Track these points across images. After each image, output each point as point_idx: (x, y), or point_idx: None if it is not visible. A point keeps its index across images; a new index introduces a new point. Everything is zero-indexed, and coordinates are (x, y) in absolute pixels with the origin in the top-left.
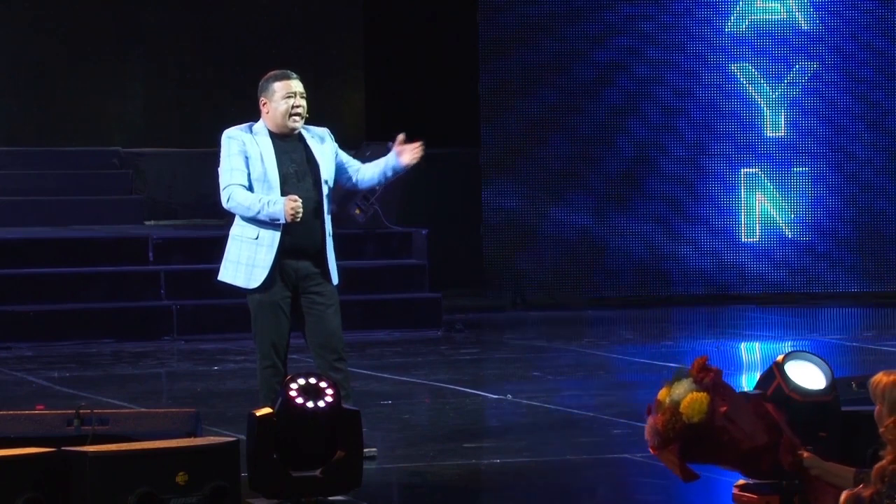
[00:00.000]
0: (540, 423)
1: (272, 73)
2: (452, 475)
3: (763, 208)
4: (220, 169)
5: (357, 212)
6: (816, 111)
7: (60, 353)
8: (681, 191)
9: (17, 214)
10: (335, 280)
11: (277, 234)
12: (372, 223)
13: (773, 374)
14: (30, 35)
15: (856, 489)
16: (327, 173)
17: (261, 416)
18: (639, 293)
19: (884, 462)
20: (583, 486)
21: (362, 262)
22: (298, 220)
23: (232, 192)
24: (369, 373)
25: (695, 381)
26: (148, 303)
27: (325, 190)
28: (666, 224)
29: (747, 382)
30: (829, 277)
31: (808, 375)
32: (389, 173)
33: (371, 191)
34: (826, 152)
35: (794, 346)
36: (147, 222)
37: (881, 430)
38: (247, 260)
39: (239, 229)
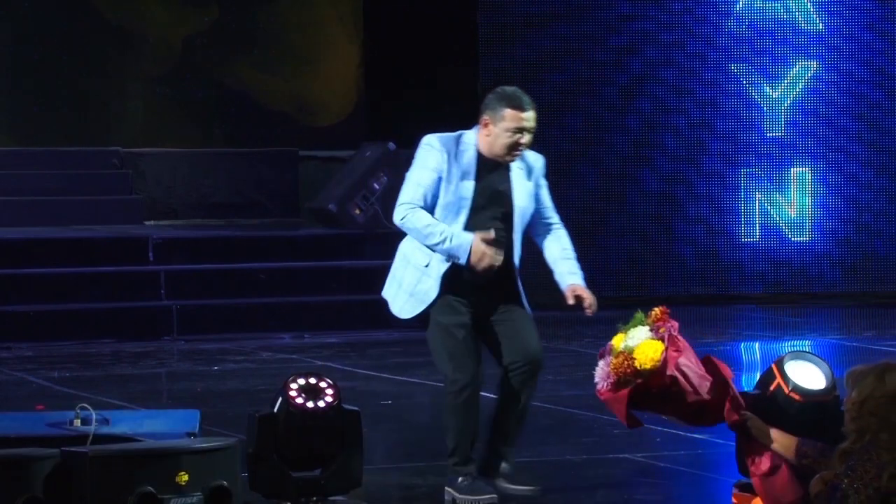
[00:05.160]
0: (540, 423)
1: (506, 93)
2: None
3: (763, 208)
4: (407, 175)
5: (357, 212)
6: (816, 111)
7: (60, 353)
8: (681, 190)
9: (17, 214)
10: (527, 307)
11: (447, 267)
12: (372, 223)
13: (773, 374)
14: (30, 35)
15: (825, 475)
16: (521, 210)
17: (261, 416)
18: (639, 293)
19: (846, 444)
20: (583, 486)
21: (362, 262)
22: (483, 268)
23: (411, 213)
24: (369, 373)
25: (651, 330)
26: (148, 303)
27: (518, 226)
28: (666, 224)
29: (747, 382)
30: (829, 277)
31: (808, 375)
32: (555, 275)
33: (371, 191)
34: (826, 152)
35: (794, 346)
36: (147, 222)
37: (847, 410)
38: (407, 286)
39: (409, 248)
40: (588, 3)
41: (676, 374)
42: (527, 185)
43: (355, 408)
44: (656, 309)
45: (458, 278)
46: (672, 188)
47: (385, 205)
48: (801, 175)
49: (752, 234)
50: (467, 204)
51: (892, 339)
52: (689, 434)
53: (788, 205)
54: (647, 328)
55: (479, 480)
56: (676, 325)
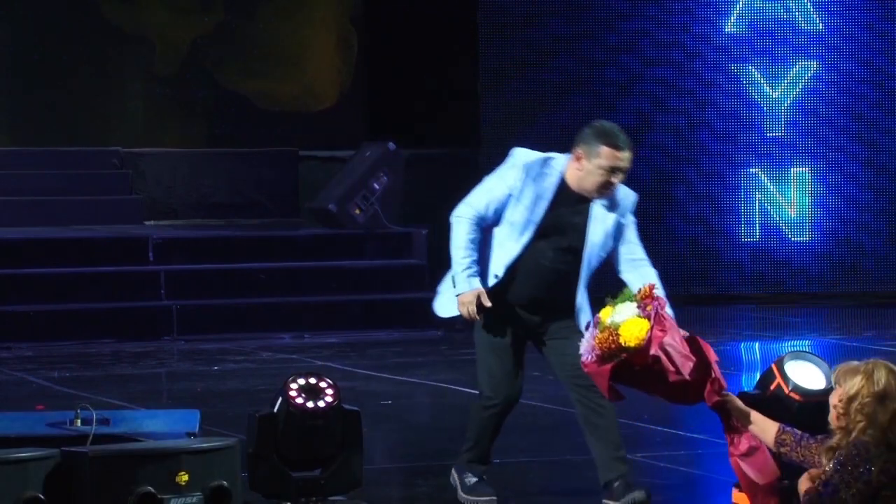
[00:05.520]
0: (540, 423)
1: (604, 129)
2: None
3: (763, 208)
4: (487, 177)
5: (357, 212)
6: (816, 111)
7: (60, 353)
8: (681, 191)
9: (17, 214)
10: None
11: (496, 282)
12: (372, 223)
13: (773, 374)
14: (30, 35)
15: (812, 473)
16: (594, 246)
17: (261, 416)
18: None
19: (833, 441)
20: (583, 486)
21: (362, 262)
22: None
23: (465, 220)
24: (369, 373)
25: (638, 307)
26: (148, 303)
27: (588, 262)
28: (666, 224)
29: (747, 382)
30: (829, 277)
31: (808, 375)
32: None
33: (371, 191)
34: (826, 152)
35: (794, 346)
36: (147, 222)
37: (833, 406)
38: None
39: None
40: (587, 2)
41: (660, 353)
42: (606, 222)
43: (355, 408)
44: (645, 286)
45: (504, 297)
46: (672, 188)
47: (385, 205)
48: (800, 175)
49: (752, 234)
50: (532, 228)
51: (892, 340)
52: (688, 434)
53: (788, 205)
54: (634, 304)
55: (484, 482)
56: (664, 302)
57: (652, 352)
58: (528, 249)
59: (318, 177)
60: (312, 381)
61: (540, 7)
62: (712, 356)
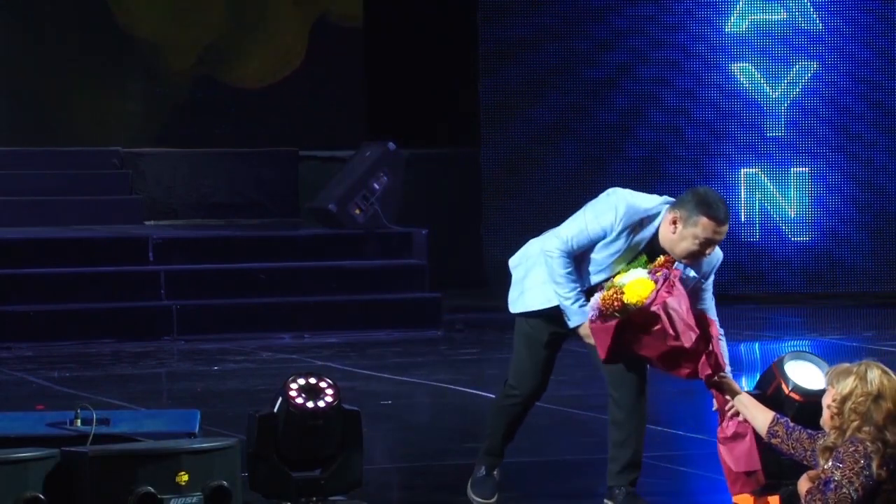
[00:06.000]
0: (540, 423)
1: (708, 199)
2: (452, 475)
3: (763, 208)
4: (583, 212)
5: (357, 212)
6: (816, 111)
7: (60, 353)
8: (681, 191)
9: (17, 214)
10: None
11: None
12: (372, 223)
13: (773, 374)
14: (29, 35)
15: (811, 474)
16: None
17: (261, 416)
18: None
19: (829, 440)
20: (583, 486)
21: (362, 262)
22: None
23: (560, 256)
24: (369, 373)
25: (649, 272)
26: (148, 303)
27: None
28: None
29: (747, 382)
30: (828, 277)
31: (808, 375)
32: None
33: (371, 191)
34: (826, 152)
35: (794, 346)
36: (147, 222)
37: (826, 406)
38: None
39: (539, 267)
40: (587, 3)
41: (661, 313)
42: (685, 283)
43: (355, 408)
44: (661, 257)
45: (554, 308)
46: (673, 189)
47: (385, 205)
48: (800, 175)
49: (752, 234)
50: (608, 272)
51: (892, 339)
52: (688, 434)
53: (788, 205)
54: (645, 270)
55: (490, 478)
56: (679, 273)
57: (653, 309)
58: (594, 286)
59: (318, 177)
60: (312, 381)
61: (540, 8)
62: (715, 332)
